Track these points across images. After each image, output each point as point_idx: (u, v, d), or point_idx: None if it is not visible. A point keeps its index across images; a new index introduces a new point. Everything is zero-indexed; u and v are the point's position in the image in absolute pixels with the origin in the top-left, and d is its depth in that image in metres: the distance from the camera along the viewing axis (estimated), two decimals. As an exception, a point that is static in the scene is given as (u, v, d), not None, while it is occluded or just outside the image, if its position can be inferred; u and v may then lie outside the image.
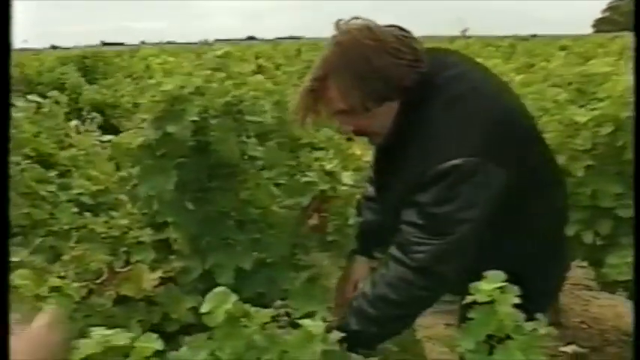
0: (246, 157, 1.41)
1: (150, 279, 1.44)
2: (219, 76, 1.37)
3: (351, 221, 1.50)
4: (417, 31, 1.29)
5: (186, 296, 1.39)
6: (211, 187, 1.40)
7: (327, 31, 1.28)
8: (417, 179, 1.17)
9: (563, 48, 9.67)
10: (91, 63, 8.41)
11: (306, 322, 0.85)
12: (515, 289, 0.85)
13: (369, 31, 1.21)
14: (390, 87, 1.20)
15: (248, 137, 1.43)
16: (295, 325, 1.40)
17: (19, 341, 0.89)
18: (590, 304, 3.06)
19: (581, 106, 2.35)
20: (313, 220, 1.49)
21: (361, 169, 2.10)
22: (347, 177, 1.59)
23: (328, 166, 1.53)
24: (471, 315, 0.87)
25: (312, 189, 1.48)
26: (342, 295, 1.49)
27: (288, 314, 1.40)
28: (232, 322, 0.87)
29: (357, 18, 1.24)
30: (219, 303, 0.86)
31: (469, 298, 0.86)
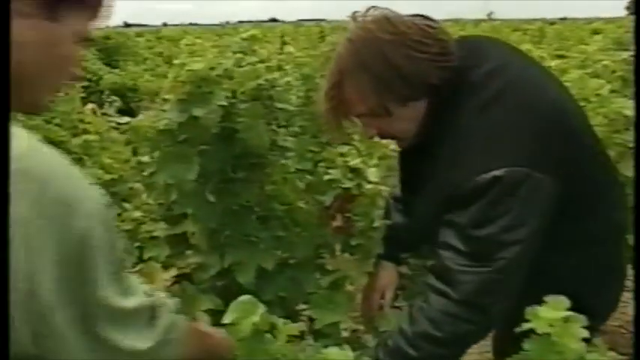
0: (274, 147, 1.30)
1: (163, 279, 1.36)
2: (250, 60, 1.26)
3: (376, 223, 1.37)
4: (442, 14, 1.15)
5: (203, 295, 1.30)
6: (235, 178, 1.30)
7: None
8: (452, 192, 1.03)
9: (595, 32, 9.33)
10: (112, 45, 8.40)
11: (333, 351, 0.73)
12: (582, 319, 0.72)
13: (387, 22, 1.06)
14: (412, 85, 1.06)
15: (278, 126, 1.31)
16: (317, 334, 1.31)
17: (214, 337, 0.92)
18: (629, 306, 2.90)
19: (626, 96, 2.17)
20: (336, 222, 1.37)
21: (387, 157, 1.97)
22: (373, 173, 1.47)
23: (352, 162, 1.41)
24: (526, 346, 0.74)
25: (334, 187, 1.36)
26: (368, 304, 1.39)
27: (311, 319, 1.30)
28: (258, 337, 0.76)
29: (374, 7, 1.09)
30: (245, 314, 0.75)
31: (524, 326, 0.74)
